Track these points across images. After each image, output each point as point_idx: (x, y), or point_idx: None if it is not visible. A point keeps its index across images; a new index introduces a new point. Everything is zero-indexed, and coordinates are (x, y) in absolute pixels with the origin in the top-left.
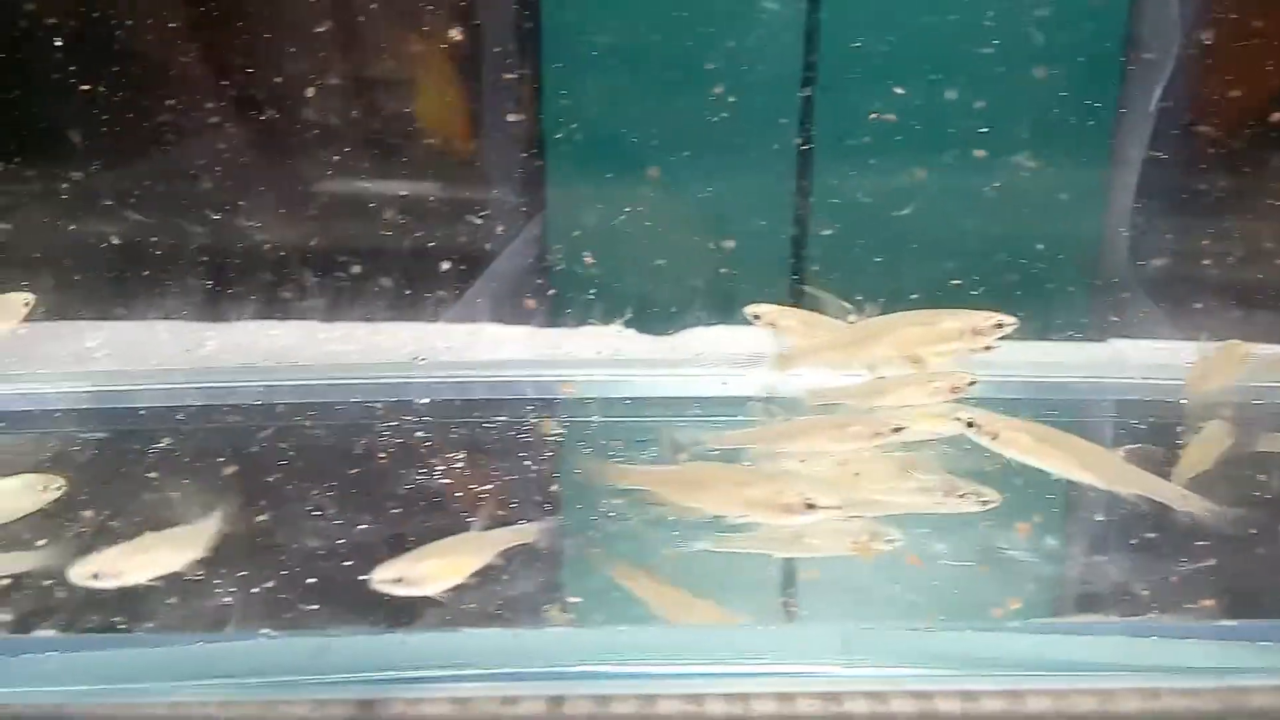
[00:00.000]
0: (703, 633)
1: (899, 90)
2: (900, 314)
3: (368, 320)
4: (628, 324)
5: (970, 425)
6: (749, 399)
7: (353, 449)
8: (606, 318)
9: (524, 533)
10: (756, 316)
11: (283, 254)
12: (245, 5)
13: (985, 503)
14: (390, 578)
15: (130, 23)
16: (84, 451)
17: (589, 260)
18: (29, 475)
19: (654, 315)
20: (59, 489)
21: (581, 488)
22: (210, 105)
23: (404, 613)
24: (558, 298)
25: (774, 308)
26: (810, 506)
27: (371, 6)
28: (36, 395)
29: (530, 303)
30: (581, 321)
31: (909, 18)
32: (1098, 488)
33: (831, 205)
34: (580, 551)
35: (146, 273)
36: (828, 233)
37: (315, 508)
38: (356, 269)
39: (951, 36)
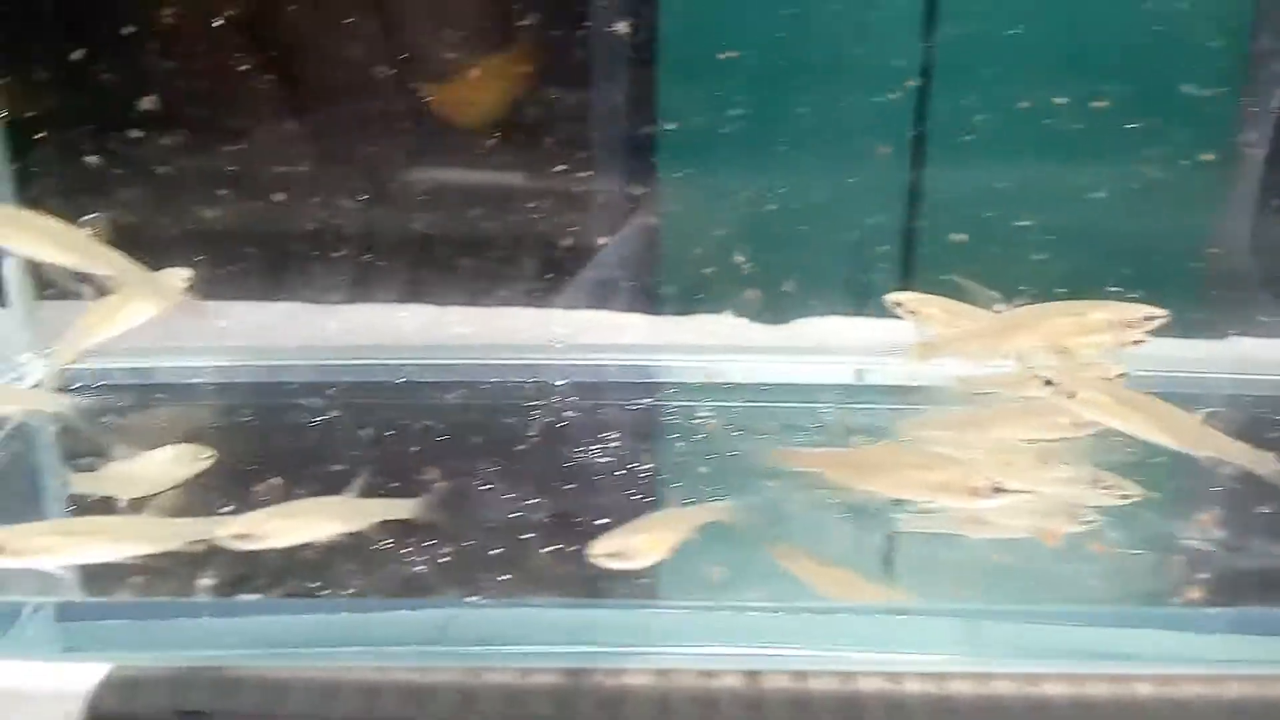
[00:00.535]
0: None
1: (1014, 83)
2: (1048, 304)
3: (487, 305)
4: (740, 313)
5: (1048, 384)
6: (877, 386)
7: (502, 428)
8: (719, 306)
9: (718, 510)
10: (898, 304)
11: (401, 240)
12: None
13: (1126, 496)
14: (608, 551)
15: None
16: (243, 423)
17: (740, 259)
18: (182, 445)
19: (767, 304)
20: (209, 458)
21: (745, 469)
22: (340, 93)
23: (589, 585)
24: (671, 286)
25: (916, 295)
26: (998, 490)
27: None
28: (186, 369)
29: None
30: (695, 309)
31: (1028, 9)
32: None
33: (945, 198)
34: (766, 531)
35: (268, 255)
36: (940, 225)
37: (482, 482)
38: (472, 256)
39: (1070, 30)
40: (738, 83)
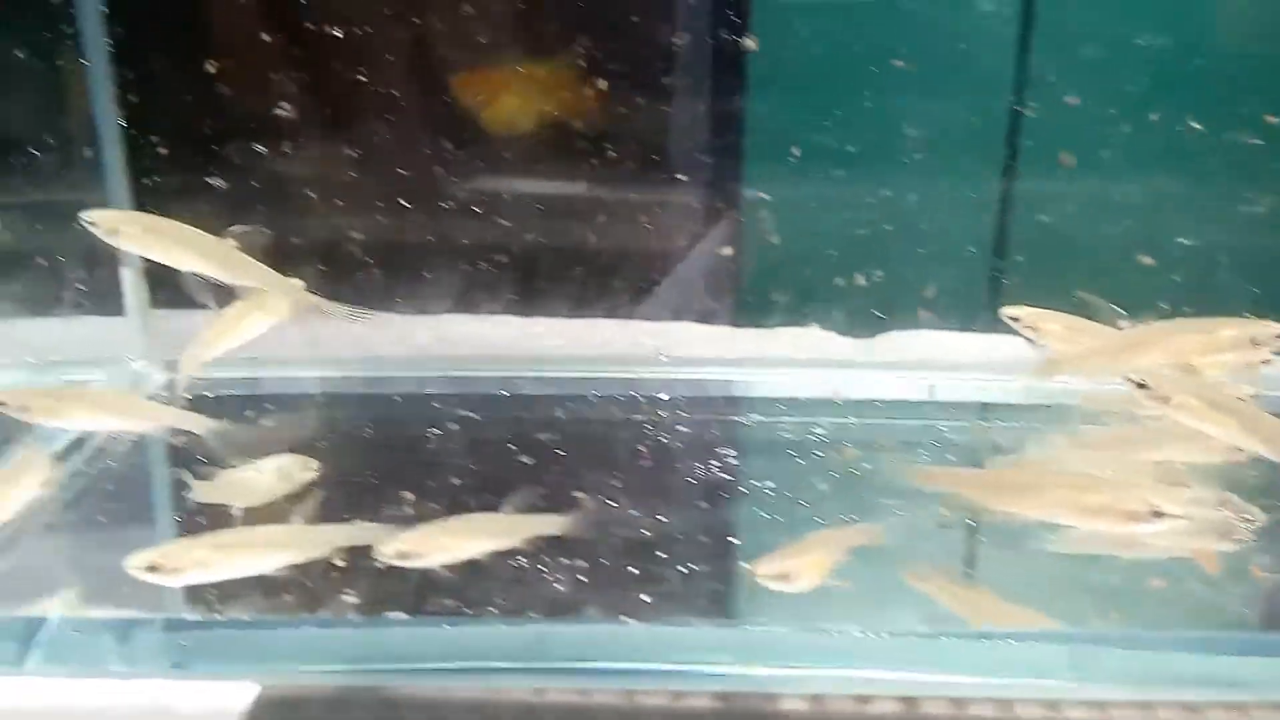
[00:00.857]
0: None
1: (1108, 100)
2: (1175, 320)
3: (569, 317)
4: (825, 326)
5: (1141, 386)
6: (998, 404)
7: (616, 442)
8: (802, 319)
9: (870, 532)
10: (1015, 319)
11: (484, 252)
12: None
13: (1251, 521)
14: (773, 573)
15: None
16: (355, 434)
17: (827, 273)
18: (290, 456)
19: (851, 317)
20: (315, 470)
21: (879, 488)
22: (437, 104)
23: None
24: (752, 298)
25: (1035, 311)
26: (1157, 514)
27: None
28: (288, 380)
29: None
30: (777, 322)
31: (1124, 27)
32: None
33: (1037, 213)
34: (912, 552)
35: (364, 268)
36: (1031, 240)
37: (608, 498)
38: (553, 268)
39: (1166, 48)
40: (827, 95)
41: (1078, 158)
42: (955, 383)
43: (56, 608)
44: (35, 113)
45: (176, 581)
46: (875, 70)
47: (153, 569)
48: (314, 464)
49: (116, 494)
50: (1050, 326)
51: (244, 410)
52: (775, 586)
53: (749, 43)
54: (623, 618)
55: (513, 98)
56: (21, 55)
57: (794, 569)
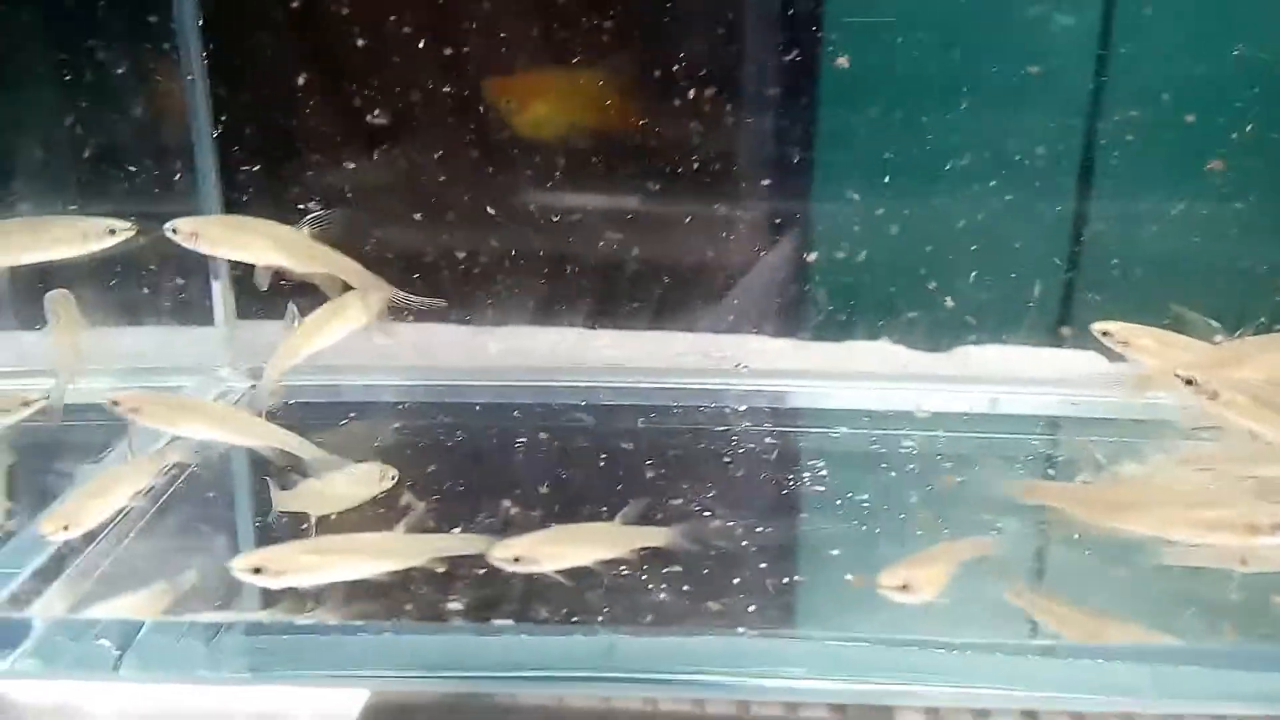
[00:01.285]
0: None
1: (1189, 117)
2: (1270, 335)
3: (635, 329)
4: (896, 339)
5: (1189, 383)
6: (1084, 419)
7: (702, 453)
8: (874, 332)
9: (981, 545)
10: (1106, 333)
11: (550, 263)
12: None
13: None
14: (896, 584)
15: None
16: (440, 442)
17: (897, 285)
18: (369, 464)
19: (923, 331)
20: (393, 478)
21: (974, 502)
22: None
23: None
24: (824, 311)
25: (1127, 325)
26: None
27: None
28: (368, 387)
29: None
30: (847, 335)
31: (1205, 46)
32: None
33: (1113, 228)
34: (1021, 566)
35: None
36: (1106, 253)
37: (702, 508)
38: (627, 278)
39: (1247, 68)
40: (900, 109)
41: (1156, 173)
42: (1033, 397)
43: (152, 612)
44: (134, 128)
45: (280, 583)
46: (949, 84)
47: (257, 571)
48: (392, 472)
49: (204, 499)
50: (1143, 341)
51: (324, 418)
52: (897, 599)
53: (842, 61)
54: (740, 629)
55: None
56: (122, 72)
57: (916, 580)
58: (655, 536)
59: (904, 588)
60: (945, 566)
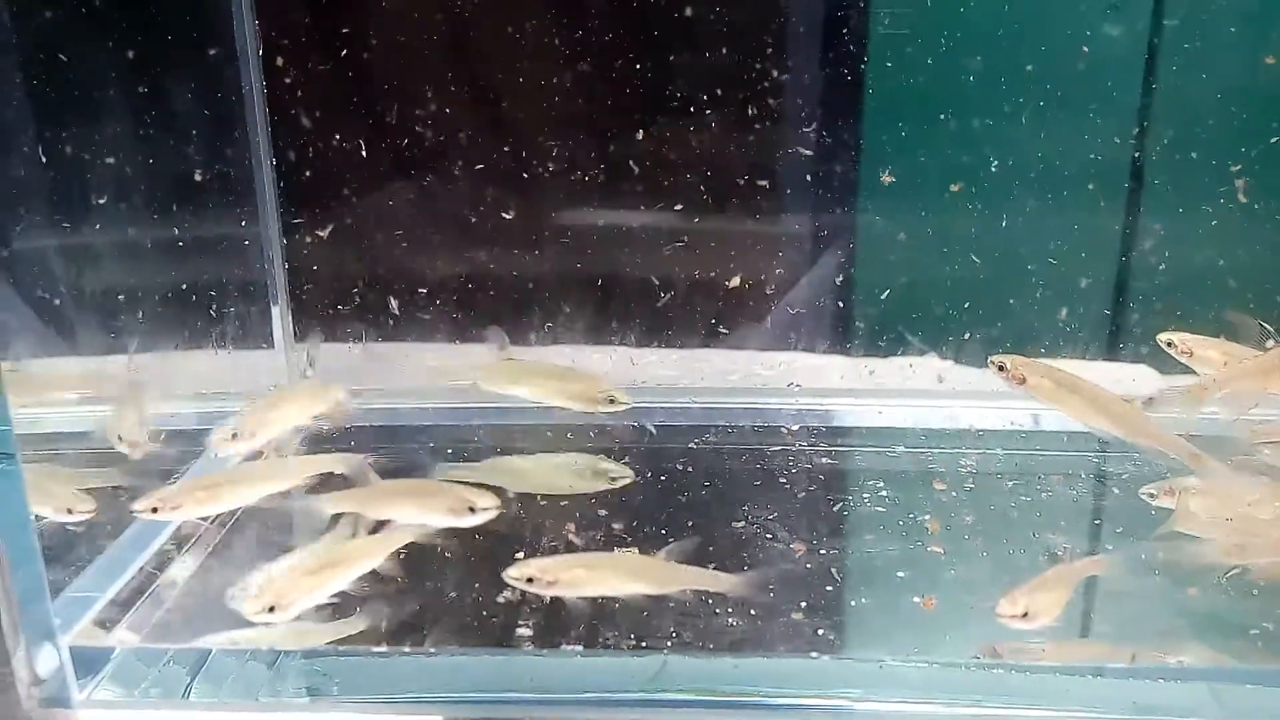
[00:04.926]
0: None
1: (1236, 129)
2: None
3: (680, 348)
4: (944, 355)
5: (1001, 369)
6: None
7: (760, 474)
8: (923, 349)
9: (1095, 564)
10: (1170, 344)
11: (592, 283)
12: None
13: None
14: (1015, 612)
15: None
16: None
17: (943, 303)
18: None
19: (973, 346)
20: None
21: (1037, 522)
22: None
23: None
24: (868, 327)
25: (1190, 336)
26: None
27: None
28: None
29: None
30: (893, 351)
31: (1254, 53)
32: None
33: (1162, 243)
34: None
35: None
36: (1151, 270)
37: (765, 531)
38: (663, 297)
39: None
40: (946, 123)
41: (1205, 187)
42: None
43: (222, 640)
44: (195, 154)
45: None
46: (995, 98)
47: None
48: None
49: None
50: (1207, 352)
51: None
52: (1017, 626)
53: (887, 77)
54: (814, 653)
55: None
56: (188, 99)
57: (1035, 607)
58: (721, 583)
59: (1024, 615)
60: (1063, 591)
